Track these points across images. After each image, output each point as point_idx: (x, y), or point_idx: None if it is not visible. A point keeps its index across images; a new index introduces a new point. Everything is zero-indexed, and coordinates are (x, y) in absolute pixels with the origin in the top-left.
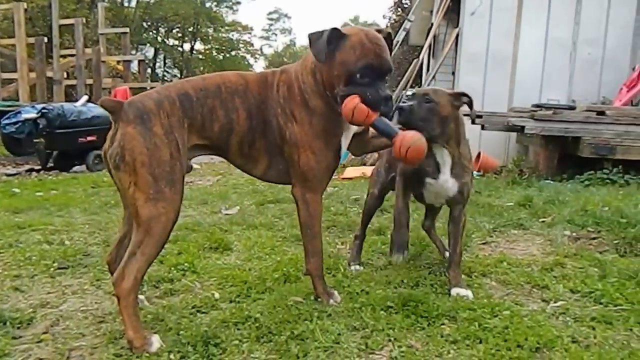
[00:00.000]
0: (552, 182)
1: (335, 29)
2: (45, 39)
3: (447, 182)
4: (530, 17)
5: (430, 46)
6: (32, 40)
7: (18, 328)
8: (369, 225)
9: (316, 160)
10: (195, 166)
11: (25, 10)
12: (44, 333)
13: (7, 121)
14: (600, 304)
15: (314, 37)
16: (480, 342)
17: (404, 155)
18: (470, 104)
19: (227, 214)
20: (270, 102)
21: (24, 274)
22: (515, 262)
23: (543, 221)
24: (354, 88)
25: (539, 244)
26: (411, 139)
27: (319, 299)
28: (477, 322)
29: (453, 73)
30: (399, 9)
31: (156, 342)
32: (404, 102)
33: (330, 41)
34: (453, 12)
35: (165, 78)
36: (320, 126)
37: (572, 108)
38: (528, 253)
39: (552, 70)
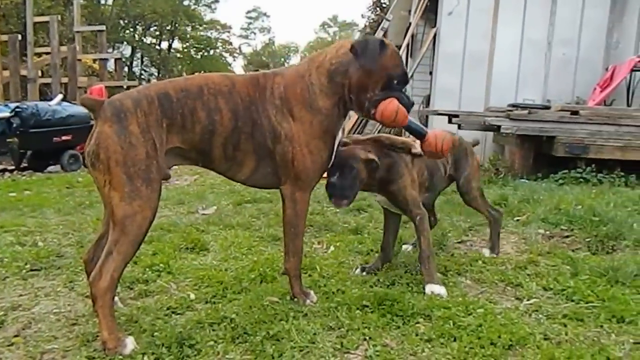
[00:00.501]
0: (527, 181)
1: (382, 39)
2: (20, 37)
3: (381, 199)
4: (506, 18)
5: (408, 46)
6: (5, 37)
7: None
8: (346, 225)
9: (312, 159)
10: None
11: None
12: (15, 336)
13: None
14: (572, 301)
15: (361, 45)
16: (455, 340)
17: (440, 148)
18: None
19: (204, 214)
20: (261, 103)
21: None
22: (489, 261)
23: (518, 220)
24: (390, 92)
25: (514, 243)
26: (442, 134)
27: (296, 299)
28: (452, 321)
29: (430, 73)
30: (378, 9)
31: (130, 344)
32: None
33: (379, 49)
34: (431, 12)
35: (143, 77)
36: (323, 126)
37: (547, 108)
38: (502, 252)
39: (528, 71)
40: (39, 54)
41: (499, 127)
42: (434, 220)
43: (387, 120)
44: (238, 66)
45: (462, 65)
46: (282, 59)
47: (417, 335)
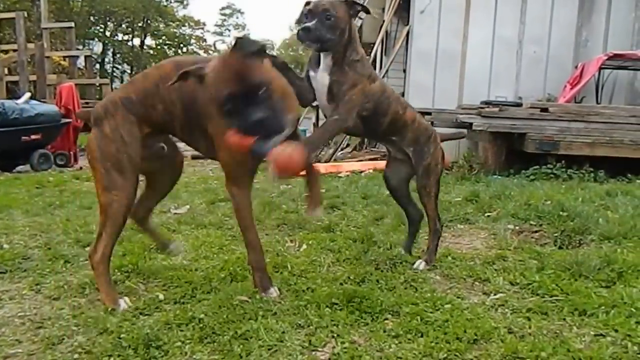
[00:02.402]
0: (499, 177)
1: None
2: None
3: (323, 78)
4: (477, 17)
5: (381, 43)
6: None
7: None
8: (319, 223)
9: (230, 155)
10: None
11: None
12: None
13: None
14: (537, 295)
15: None
16: (422, 336)
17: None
18: (365, 11)
19: (176, 213)
20: (201, 94)
21: None
22: (459, 256)
23: (488, 215)
24: None
25: (483, 238)
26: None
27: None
28: (419, 316)
29: (404, 70)
30: None
31: (124, 303)
32: (305, 22)
33: None
34: (404, 10)
35: (115, 74)
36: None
37: (519, 105)
38: (472, 247)
39: (500, 68)
40: (6, 51)
41: (471, 124)
42: (416, 212)
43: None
44: None
45: (435, 63)
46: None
47: (384, 331)
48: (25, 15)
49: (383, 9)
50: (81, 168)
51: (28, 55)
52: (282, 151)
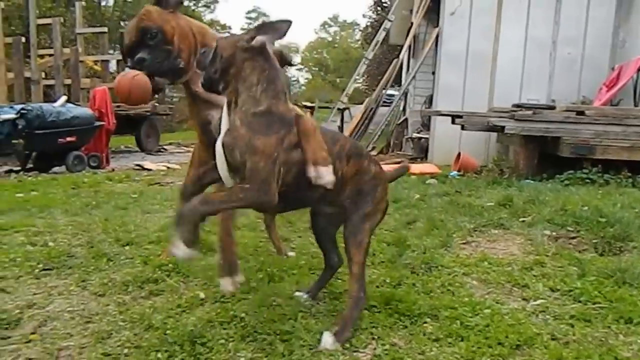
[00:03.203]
0: (532, 181)
1: None
2: (23, 39)
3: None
4: (509, 17)
5: (410, 46)
6: (9, 40)
7: (6, 329)
8: None
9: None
10: (175, 166)
11: (2, 9)
12: (32, 333)
13: None
14: (579, 302)
15: None
16: (462, 340)
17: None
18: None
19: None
20: None
21: (9, 275)
22: (495, 262)
23: (523, 221)
24: None
25: (519, 244)
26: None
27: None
28: (459, 321)
29: (433, 73)
30: (379, 8)
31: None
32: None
33: None
34: (433, 12)
35: None
36: None
37: (552, 108)
38: (508, 252)
39: (532, 70)
40: (42, 56)
41: (502, 127)
42: (337, 260)
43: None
44: None
45: (465, 65)
46: None
47: (424, 334)
48: (61, 20)
49: (411, 11)
50: (113, 170)
51: (62, 59)
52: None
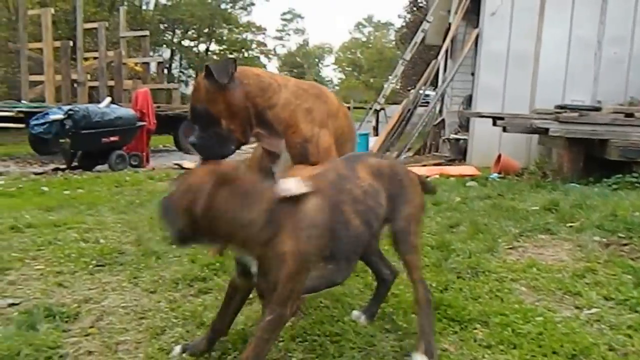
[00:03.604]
0: (577, 185)
1: None
2: (70, 43)
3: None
4: (553, 17)
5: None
6: (57, 44)
7: (66, 322)
8: None
9: None
10: None
11: (51, 14)
12: (91, 327)
13: (35, 122)
14: (636, 312)
15: None
16: (515, 348)
17: None
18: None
19: None
20: None
21: (65, 270)
22: (544, 268)
23: (571, 226)
24: None
25: (568, 250)
26: None
27: None
28: (510, 328)
29: (472, 74)
30: (415, 9)
31: None
32: None
33: None
34: (472, 13)
35: (181, 79)
36: None
37: (598, 109)
38: (557, 259)
39: (576, 71)
40: (86, 58)
41: (546, 129)
42: (391, 274)
43: None
44: (272, 67)
45: (506, 66)
46: (316, 60)
47: (475, 341)
48: (106, 25)
49: (448, 11)
50: (153, 169)
51: (106, 62)
52: None
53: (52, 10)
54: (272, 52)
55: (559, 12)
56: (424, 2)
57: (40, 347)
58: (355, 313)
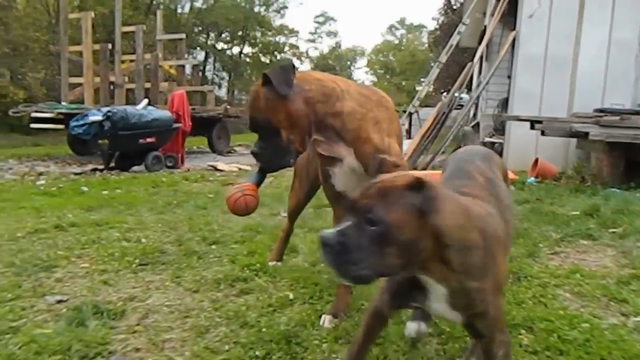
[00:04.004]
0: (618, 190)
1: None
2: (109, 45)
3: (445, 313)
4: (592, 19)
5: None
6: (96, 46)
7: (113, 319)
8: None
9: None
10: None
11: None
12: (137, 325)
13: (75, 123)
14: None
15: None
16: (561, 354)
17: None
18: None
19: (285, 216)
20: None
21: (109, 268)
22: (588, 274)
23: (613, 232)
24: None
25: (612, 256)
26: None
27: None
28: (556, 334)
29: (509, 77)
30: (449, 11)
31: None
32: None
33: None
34: (509, 15)
35: (215, 81)
36: None
37: (639, 113)
38: (601, 265)
39: (616, 74)
40: (123, 61)
41: (586, 133)
42: None
43: None
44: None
45: (543, 69)
46: (348, 63)
47: (520, 346)
48: (143, 28)
49: (484, 14)
50: (188, 170)
51: (143, 64)
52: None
53: (92, 14)
54: (305, 55)
55: (599, 14)
56: (458, 5)
57: (89, 343)
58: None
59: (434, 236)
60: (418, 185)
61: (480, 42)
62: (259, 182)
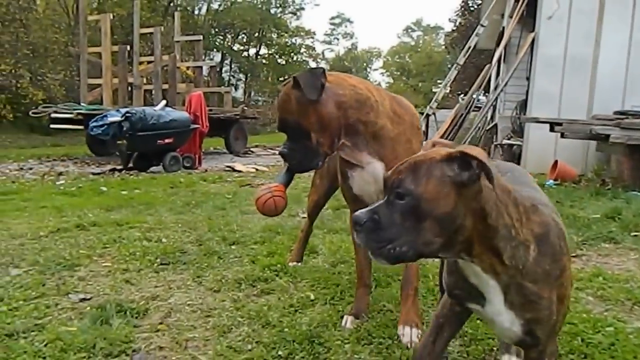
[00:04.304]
0: (639, 193)
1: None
2: (128, 47)
3: (501, 316)
4: (612, 20)
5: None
6: (115, 48)
7: (136, 318)
8: None
9: None
10: (263, 168)
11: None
12: (160, 324)
13: (94, 124)
14: None
15: None
16: (585, 357)
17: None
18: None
19: (304, 217)
20: None
21: (131, 267)
22: (611, 277)
23: (635, 235)
24: None
25: (635, 259)
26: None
27: None
28: (580, 337)
29: (527, 78)
30: (466, 12)
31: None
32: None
33: None
34: (528, 16)
35: (231, 82)
36: None
37: None
38: (624, 268)
39: (637, 75)
40: (141, 63)
41: (607, 136)
42: None
43: None
44: None
45: (563, 71)
46: (364, 64)
47: None
48: (161, 29)
49: (502, 15)
50: (206, 170)
51: (161, 66)
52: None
53: (111, 16)
54: (321, 56)
55: (619, 15)
56: (475, 6)
57: (113, 341)
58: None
59: (476, 213)
60: (459, 157)
61: (498, 44)
62: (287, 183)
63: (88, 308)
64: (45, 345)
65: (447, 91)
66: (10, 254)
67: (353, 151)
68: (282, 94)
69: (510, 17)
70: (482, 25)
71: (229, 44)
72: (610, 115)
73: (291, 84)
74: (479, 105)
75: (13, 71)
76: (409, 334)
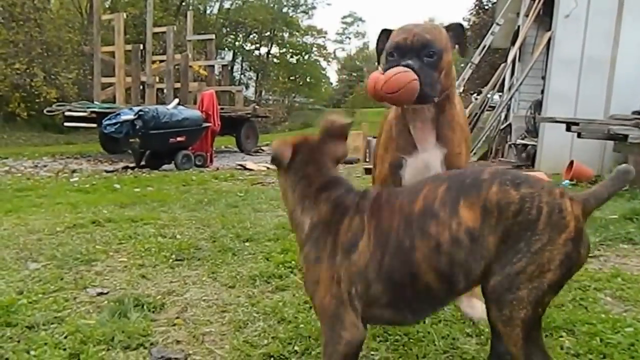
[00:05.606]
0: None
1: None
2: (141, 46)
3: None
4: (632, 19)
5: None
6: (128, 47)
7: (153, 312)
8: None
9: None
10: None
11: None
12: (176, 318)
13: (107, 122)
14: None
15: None
16: (604, 358)
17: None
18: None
19: None
20: None
21: (146, 263)
22: (630, 278)
23: None
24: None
25: None
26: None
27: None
28: (598, 337)
29: (542, 78)
30: (480, 11)
31: None
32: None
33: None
34: (544, 15)
35: (242, 81)
36: None
37: None
38: None
39: None
40: (154, 62)
41: (625, 136)
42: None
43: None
44: (332, 71)
45: (580, 70)
46: (376, 64)
47: (562, 349)
48: (173, 29)
49: (517, 14)
50: (217, 169)
51: (174, 64)
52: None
53: (124, 15)
54: (332, 56)
55: (638, 15)
56: (490, 5)
57: (132, 335)
58: None
59: None
60: None
61: (513, 43)
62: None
63: (106, 302)
64: (65, 337)
65: (461, 90)
66: (29, 249)
67: (424, 125)
68: (433, 26)
69: (526, 15)
70: (497, 24)
71: (240, 43)
72: (629, 115)
73: (446, 25)
74: (493, 105)
75: (27, 70)
76: (479, 308)
